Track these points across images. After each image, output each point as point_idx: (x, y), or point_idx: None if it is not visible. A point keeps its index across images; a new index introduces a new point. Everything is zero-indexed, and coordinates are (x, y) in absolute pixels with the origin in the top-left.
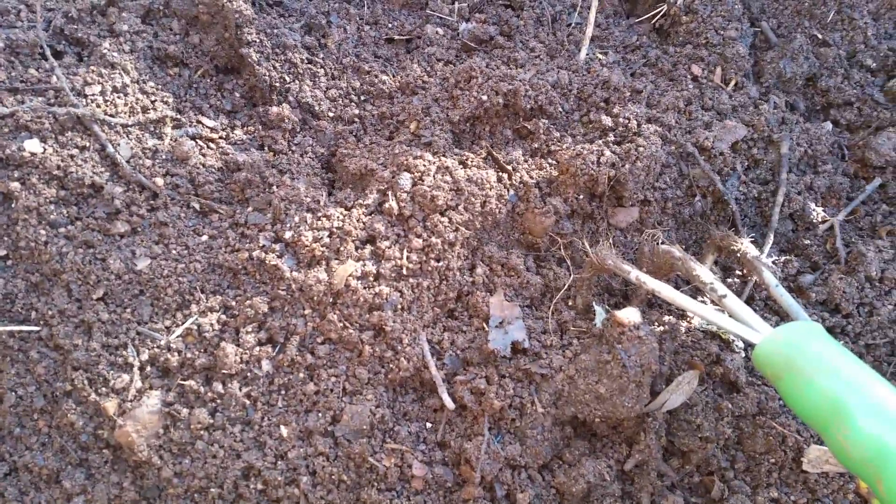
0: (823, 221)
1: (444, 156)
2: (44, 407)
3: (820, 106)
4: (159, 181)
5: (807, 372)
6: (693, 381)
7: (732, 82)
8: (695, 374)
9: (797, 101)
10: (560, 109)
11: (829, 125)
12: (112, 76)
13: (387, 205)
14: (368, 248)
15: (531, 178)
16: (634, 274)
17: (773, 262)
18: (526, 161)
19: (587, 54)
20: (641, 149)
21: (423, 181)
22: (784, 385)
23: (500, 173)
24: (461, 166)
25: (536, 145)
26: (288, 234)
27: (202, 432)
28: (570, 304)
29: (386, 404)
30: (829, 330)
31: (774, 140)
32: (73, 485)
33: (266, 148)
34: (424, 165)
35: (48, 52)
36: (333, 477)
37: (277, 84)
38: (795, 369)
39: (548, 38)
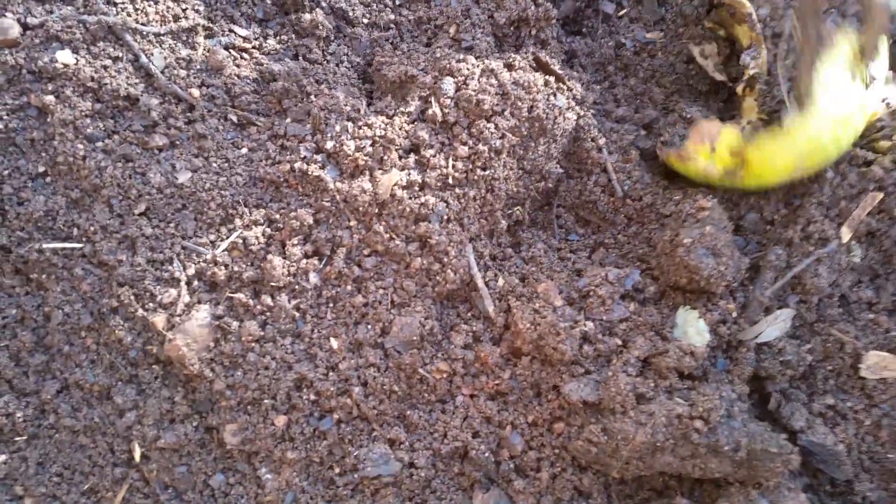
0: None
1: (487, 59)
2: (91, 324)
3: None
4: (195, 92)
5: None
6: (788, 320)
7: None
8: (791, 312)
9: None
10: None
11: None
12: None
13: (430, 111)
14: (412, 156)
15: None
16: None
17: None
18: None
19: None
20: None
21: (467, 85)
22: None
23: (547, 76)
24: (506, 69)
25: None
26: (329, 145)
27: (253, 344)
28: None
29: (434, 316)
30: None
31: None
32: (124, 400)
33: (301, 57)
34: (468, 69)
35: None
36: (385, 387)
37: None
38: None
39: None
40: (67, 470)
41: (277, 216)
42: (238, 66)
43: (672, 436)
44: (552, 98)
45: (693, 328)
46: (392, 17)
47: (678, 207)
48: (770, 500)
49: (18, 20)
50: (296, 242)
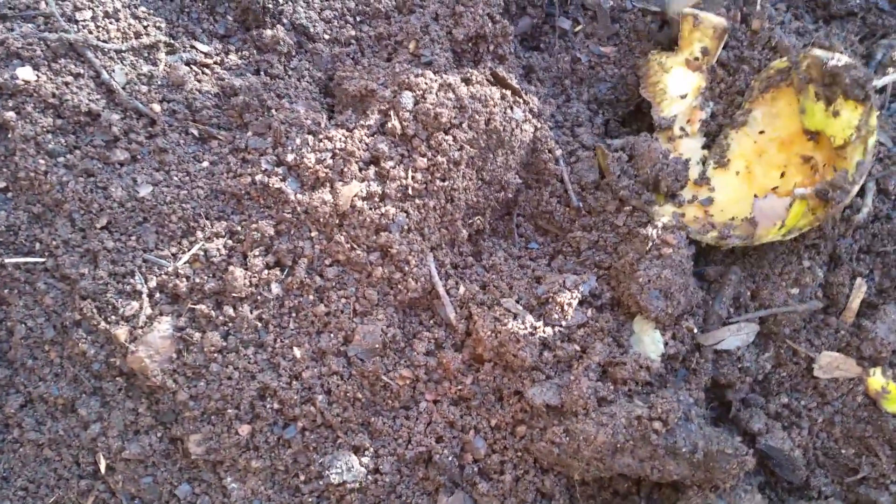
0: None
1: (445, 73)
2: (54, 338)
3: (822, 18)
4: (156, 107)
5: None
6: (752, 335)
7: None
8: (755, 328)
9: (802, 13)
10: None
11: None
12: (103, 1)
13: (389, 125)
14: (372, 168)
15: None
16: None
17: None
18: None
19: None
20: None
21: (425, 99)
22: None
23: (504, 90)
24: (464, 83)
25: None
26: (290, 157)
27: (216, 355)
28: None
29: (396, 324)
30: None
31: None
32: (88, 412)
33: (262, 73)
34: (426, 83)
35: None
36: (349, 395)
37: (270, 5)
38: None
39: None
40: (33, 483)
41: (239, 228)
42: (199, 81)
43: (632, 436)
44: (509, 111)
45: (649, 338)
46: (353, 33)
47: (646, 231)
48: (727, 501)
49: None
50: (257, 254)
